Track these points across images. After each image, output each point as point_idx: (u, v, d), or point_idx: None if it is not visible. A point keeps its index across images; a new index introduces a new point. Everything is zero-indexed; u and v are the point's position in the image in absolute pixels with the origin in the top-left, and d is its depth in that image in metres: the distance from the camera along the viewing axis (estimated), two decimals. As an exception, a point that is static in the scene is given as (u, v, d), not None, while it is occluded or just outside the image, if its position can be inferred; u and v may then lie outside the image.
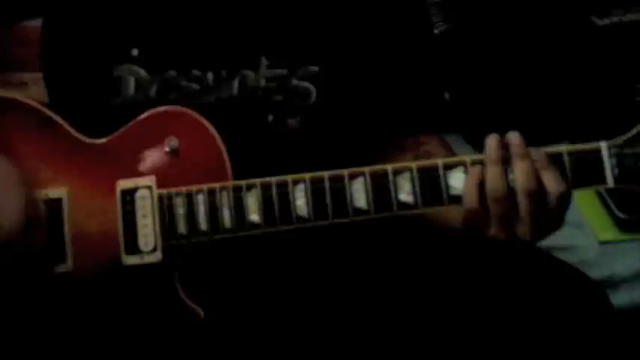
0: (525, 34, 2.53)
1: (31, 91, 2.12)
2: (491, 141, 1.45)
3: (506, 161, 1.44)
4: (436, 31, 2.37)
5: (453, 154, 1.64)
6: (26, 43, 1.99)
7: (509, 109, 2.54)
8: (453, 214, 1.49)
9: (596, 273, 2.19)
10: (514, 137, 1.44)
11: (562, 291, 1.54)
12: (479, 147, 2.54)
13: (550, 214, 1.44)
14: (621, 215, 2.45)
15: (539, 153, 1.43)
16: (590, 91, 2.53)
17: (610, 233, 2.46)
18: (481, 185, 1.44)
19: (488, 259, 1.54)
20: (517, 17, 2.53)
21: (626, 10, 2.53)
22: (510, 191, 1.43)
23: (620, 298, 2.26)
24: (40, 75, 1.73)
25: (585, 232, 2.42)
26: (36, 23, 1.75)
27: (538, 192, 1.42)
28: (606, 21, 2.51)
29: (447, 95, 1.69)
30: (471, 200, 1.44)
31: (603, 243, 2.44)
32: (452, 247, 1.58)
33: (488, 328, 1.51)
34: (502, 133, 1.39)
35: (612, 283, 2.32)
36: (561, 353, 1.49)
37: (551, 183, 1.42)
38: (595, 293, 1.57)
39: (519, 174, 1.42)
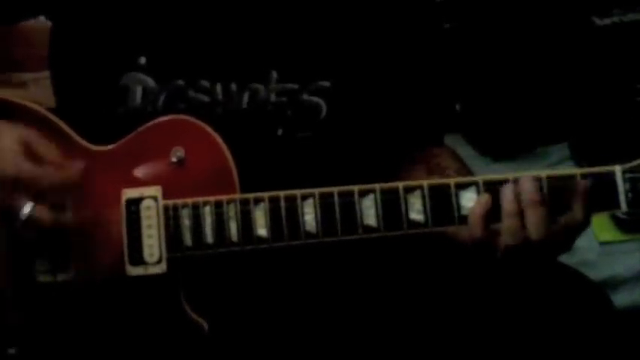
0: (525, 34, 2.52)
1: (31, 91, 2.11)
2: (506, 193, 1.42)
3: (521, 211, 1.41)
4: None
5: (464, 166, 1.63)
6: (26, 43, 1.98)
7: (509, 109, 2.54)
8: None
9: (596, 274, 2.20)
10: (527, 183, 1.42)
11: (563, 292, 1.55)
12: (479, 147, 2.56)
13: (561, 246, 1.45)
14: (622, 216, 2.45)
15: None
16: (591, 91, 2.53)
17: (610, 234, 2.46)
18: (487, 215, 1.42)
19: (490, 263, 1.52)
20: (517, 17, 2.53)
21: (626, 10, 2.52)
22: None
23: (620, 299, 2.27)
24: (40, 75, 1.71)
25: (586, 232, 2.40)
26: (36, 23, 1.73)
27: (551, 239, 1.41)
28: (606, 21, 2.50)
29: (457, 107, 1.68)
30: (475, 228, 1.43)
31: (604, 243, 2.44)
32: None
33: (490, 329, 1.53)
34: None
35: (613, 284, 2.33)
36: (563, 354, 1.51)
37: (577, 215, 1.42)
38: (596, 294, 1.57)
39: (532, 224, 1.40)
